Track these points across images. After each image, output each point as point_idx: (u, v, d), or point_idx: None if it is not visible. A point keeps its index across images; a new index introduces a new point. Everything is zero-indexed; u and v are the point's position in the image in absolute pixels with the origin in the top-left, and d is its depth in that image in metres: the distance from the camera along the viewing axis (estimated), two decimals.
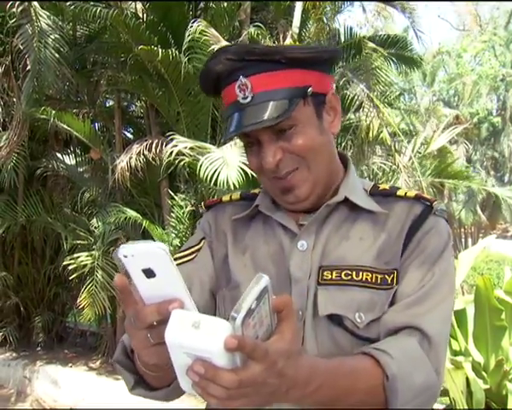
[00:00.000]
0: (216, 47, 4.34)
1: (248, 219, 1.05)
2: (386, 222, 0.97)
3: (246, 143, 0.98)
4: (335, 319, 0.91)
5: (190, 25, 4.53)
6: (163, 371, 0.85)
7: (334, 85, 1.03)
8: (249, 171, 3.89)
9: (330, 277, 0.94)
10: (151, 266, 0.67)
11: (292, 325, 0.70)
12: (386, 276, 0.93)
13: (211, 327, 0.63)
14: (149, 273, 0.68)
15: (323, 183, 0.98)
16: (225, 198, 1.12)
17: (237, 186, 3.89)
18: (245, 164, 3.91)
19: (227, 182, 3.86)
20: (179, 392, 0.96)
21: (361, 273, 0.93)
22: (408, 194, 1.00)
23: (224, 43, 4.46)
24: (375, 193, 1.01)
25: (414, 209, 0.98)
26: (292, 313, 0.71)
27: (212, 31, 4.53)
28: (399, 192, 1.01)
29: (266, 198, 1.04)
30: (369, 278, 0.93)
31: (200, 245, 1.06)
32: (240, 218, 1.05)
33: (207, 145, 4.37)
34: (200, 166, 4.00)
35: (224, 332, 0.62)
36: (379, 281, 0.93)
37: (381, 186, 1.03)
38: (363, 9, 6.37)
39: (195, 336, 0.63)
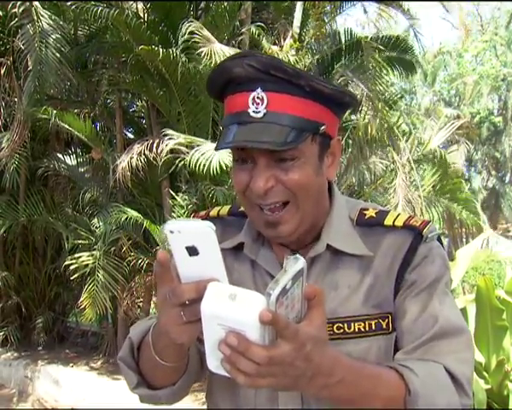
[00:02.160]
0: (205, 49, 4.35)
1: (236, 248, 1.00)
2: (372, 262, 0.93)
3: (237, 158, 0.91)
4: None
5: (181, 26, 4.54)
6: (177, 360, 0.87)
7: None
8: None
9: None
10: (196, 244, 0.69)
11: (321, 314, 0.71)
12: (381, 320, 0.91)
13: (247, 300, 0.65)
14: (192, 251, 0.69)
15: (308, 222, 0.92)
16: (213, 213, 1.08)
17: (229, 170, 3.95)
18: None
19: (220, 166, 3.90)
20: (183, 392, 0.97)
21: (353, 324, 0.90)
22: (396, 222, 0.94)
23: (215, 44, 4.46)
24: (361, 223, 0.96)
25: (403, 244, 0.93)
26: (322, 303, 0.71)
27: (205, 32, 4.54)
28: (387, 221, 0.94)
29: (251, 233, 0.99)
30: (361, 327, 0.90)
31: None
32: (227, 248, 0.99)
33: (201, 139, 4.39)
34: (191, 158, 4.05)
35: (259, 305, 0.64)
36: (373, 327, 0.90)
37: (368, 213, 0.97)
38: (365, 10, 6.34)
39: (231, 308, 0.65)
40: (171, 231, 0.68)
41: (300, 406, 0.90)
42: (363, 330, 0.90)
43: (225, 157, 3.95)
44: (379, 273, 0.92)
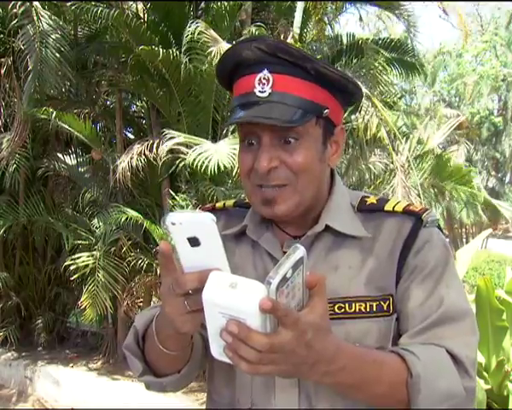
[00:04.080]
0: (214, 48, 4.35)
1: (238, 235, 1.02)
2: (373, 245, 0.95)
3: (243, 138, 0.94)
4: None
5: (188, 26, 4.54)
6: (180, 349, 0.88)
7: None
8: None
9: None
10: (197, 234, 0.69)
11: (323, 302, 0.71)
12: (382, 302, 0.92)
13: (247, 288, 0.66)
14: (194, 242, 0.70)
15: (305, 206, 0.94)
16: (219, 205, 1.11)
17: (229, 170, 3.93)
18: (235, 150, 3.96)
19: (218, 167, 3.89)
20: (188, 379, 0.99)
21: (354, 305, 0.91)
22: (396, 208, 0.96)
23: (223, 44, 4.46)
24: (362, 209, 0.98)
25: (403, 227, 0.94)
26: (324, 291, 0.72)
27: (211, 32, 4.54)
28: (387, 207, 0.97)
29: (255, 217, 1.01)
30: (362, 308, 0.91)
31: None
32: (230, 233, 1.02)
33: (201, 139, 4.38)
34: (191, 156, 4.05)
35: (259, 294, 0.64)
36: (374, 309, 0.91)
37: (369, 200, 1.00)
38: (360, 18, 6.31)
39: (232, 296, 0.65)
40: (173, 223, 0.69)
41: (297, 390, 0.91)
42: (364, 310, 0.91)
43: (224, 158, 3.93)
44: (380, 256, 0.94)
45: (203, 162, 3.97)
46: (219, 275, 0.68)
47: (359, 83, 5.07)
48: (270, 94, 0.88)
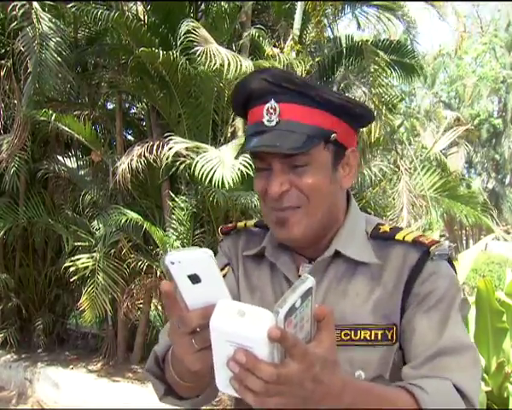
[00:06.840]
0: (204, 47, 4.34)
1: (258, 256, 1.06)
2: (381, 273, 0.96)
3: (258, 168, 0.99)
4: None
5: (179, 27, 4.52)
6: (197, 381, 0.88)
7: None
8: (245, 170, 3.93)
9: None
10: (197, 271, 0.69)
11: (331, 336, 0.70)
12: (387, 331, 0.93)
13: (255, 316, 0.65)
14: (195, 279, 0.70)
15: (317, 229, 0.97)
16: (240, 225, 1.15)
17: (232, 185, 3.92)
18: (241, 164, 3.94)
19: (222, 181, 3.88)
20: (208, 401, 0.99)
21: (359, 332, 0.93)
22: (406, 237, 0.98)
23: (213, 44, 4.44)
24: (375, 236, 1.00)
25: (410, 257, 0.96)
26: (332, 324, 0.71)
27: (203, 31, 4.52)
28: (398, 236, 0.99)
29: (273, 239, 1.05)
30: (367, 335, 0.92)
31: (225, 271, 1.07)
32: (250, 254, 1.07)
33: (204, 145, 4.38)
34: (196, 165, 4.03)
35: (268, 322, 0.63)
36: (379, 337, 0.93)
37: (383, 228, 1.02)
38: (358, 25, 6.28)
39: (240, 324, 0.64)
40: (172, 262, 0.69)
41: None
42: (368, 338, 0.92)
43: (228, 172, 3.92)
44: (387, 285, 0.95)
45: (208, 173, 3.96)
46: (227, 303, 0.68)
47: (359, 83, 5.10)
48: (277, 123, 0.92)
